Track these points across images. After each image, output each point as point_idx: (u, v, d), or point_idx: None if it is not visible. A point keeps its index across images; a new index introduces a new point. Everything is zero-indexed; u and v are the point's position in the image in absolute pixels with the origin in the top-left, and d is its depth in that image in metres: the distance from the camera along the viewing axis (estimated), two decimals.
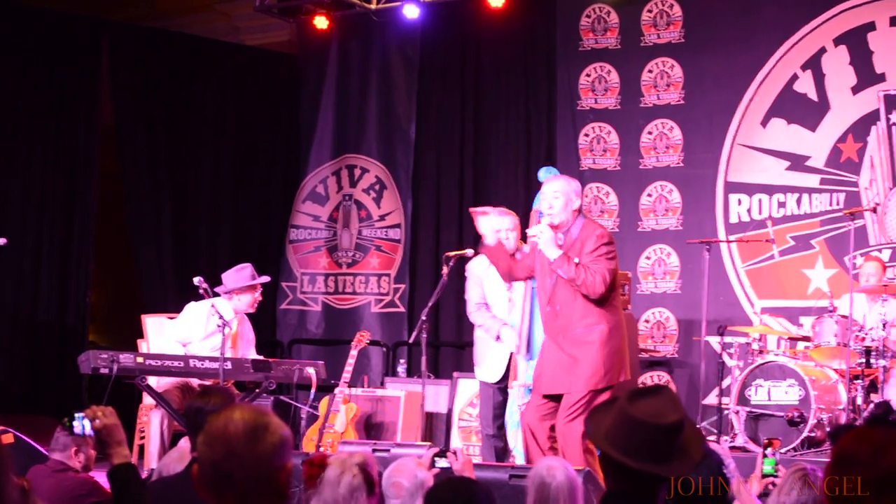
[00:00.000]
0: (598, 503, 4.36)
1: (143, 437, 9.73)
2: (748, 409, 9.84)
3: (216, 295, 9.44)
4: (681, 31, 12.34)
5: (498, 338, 8.91)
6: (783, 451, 9.12)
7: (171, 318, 10.13)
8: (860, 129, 11.45)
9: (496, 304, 9.10)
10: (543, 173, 8.44)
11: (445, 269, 9.16)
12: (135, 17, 14.14)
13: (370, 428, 11.26)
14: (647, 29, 12.51)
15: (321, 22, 13.42)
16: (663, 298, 12.32)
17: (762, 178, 11.90)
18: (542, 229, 7.64)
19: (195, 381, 9.39)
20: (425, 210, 13.69)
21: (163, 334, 10.07)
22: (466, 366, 10.69)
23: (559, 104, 12.93)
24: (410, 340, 10.17)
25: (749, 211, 11.91)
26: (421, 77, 13.74)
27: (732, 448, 9.71)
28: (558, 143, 12.89)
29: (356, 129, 13.99)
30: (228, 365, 9.01)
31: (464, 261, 9.27)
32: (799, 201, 11.71)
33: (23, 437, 7.93)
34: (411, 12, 12.88)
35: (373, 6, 13.22)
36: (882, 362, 9.52)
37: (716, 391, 10.65)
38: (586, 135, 12.76)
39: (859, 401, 9.58)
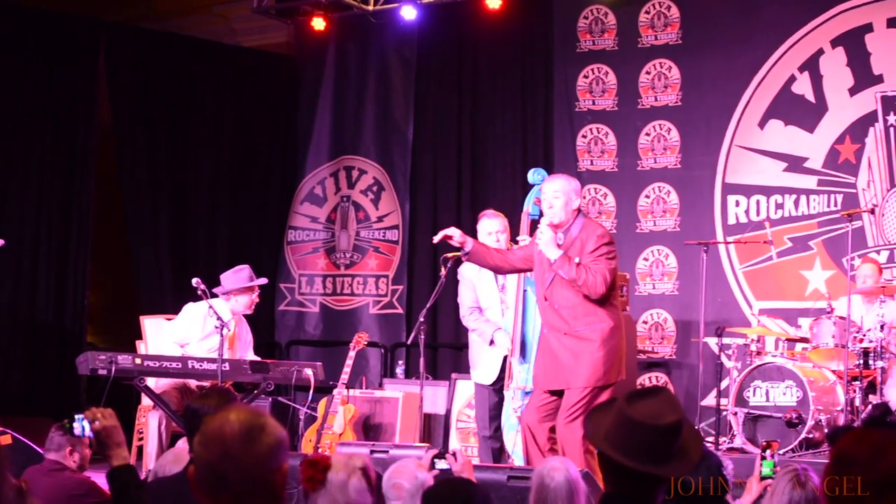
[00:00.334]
0: None
1: (141, 439, 9.72)
2: (746, 410, 9.85)
3: (214, 296, 9.45)
4: (678, 32, 12.35)
5: (492, 342, 8.91)
6: (781, 452, 9.13)
7: (170, 320, 10.13)
8: (858, 130, 11.46)
9: (490, 308, 9.10)
10: (533, 175, 8.46)
11: (443, 271, 9.15)
12: (133, 19, 14.14)
13: (368, 429, 11.26)
14: (644, 30, 12.51)
15: (319, 23, 13.41)
16: (661, 300, 12.32)
17: (760, 179, 11.91)
18: (542, 230, 7.66)
19: (193, 383, 9.39)
20: (423, 211, 13.70)
21: (161, 335, 10.07)
22: (464, 367, 10.67)
23: (556, 106, 12.93)
24: (408, 342, 10.18)
25: (747, 212, 11.92)
26: (418, 79, 13.74)
27: (731, 449, 9.74)
28: (556, 145, 12.89)
29: (354, 130, 13.99)
30: (226, 366, 9.02)
31: (461, 262, 9.27)
32: (797, 203, 11.72)
33: (21, 437, 7.94)
34: (409, 14, 12.89)
35: (370, 8, 13.22)
36: (880, 363, 9.53)
37: (714, 392, 10.64)
38: (584, 136, 12.76)
39: (857, 402, 9.59)
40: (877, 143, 11.36)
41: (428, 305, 9.37)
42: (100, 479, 5.67)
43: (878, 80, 11.40)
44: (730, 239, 11.79)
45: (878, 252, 11.15)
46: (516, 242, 8.79)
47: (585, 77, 12.78)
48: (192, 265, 12.63)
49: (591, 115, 12.76)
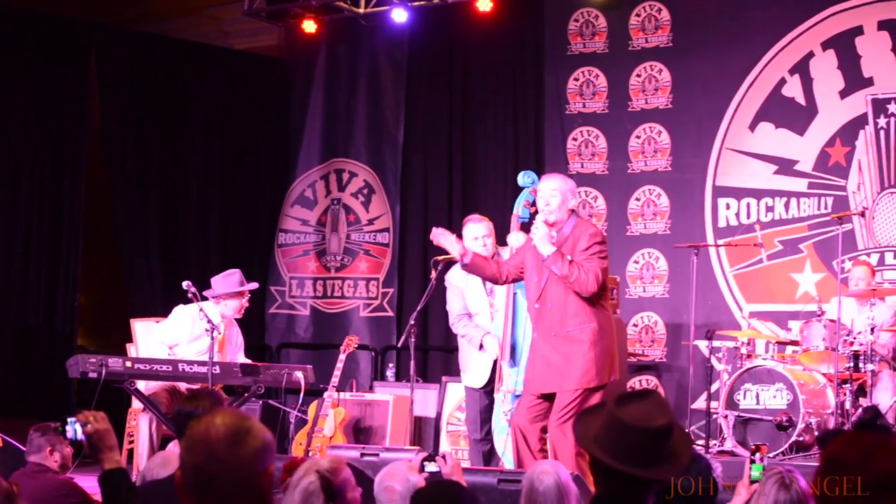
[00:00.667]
0: None
1: (131, 441, 9.72)
2: (737, 413, 9.85)
3: (204, 299, 9.44)
4: (669, 35, 12.35)
5: (481, 347, 8.90)
6: (771, 455, 9.13)
7: (160, 322, 10.12)
8: (848, 133, 11.47)
9: (479, 313, 9.08)
10: (523, 178, 8.47)
11: (434, 274, 9.17)
12: (124, 21, 14.11)
13: (359, 432, 11.25)
14: (635, 33, 12.52)
15: (309, 26, 13.42)
16: (651, 302, 12.32)
17: (750, 182, 11.91)
18: (537, 226, 7.69)
19: (183, 385, 9.38)
20: (413, 214, 13.69)
21: (151, 337, 10.06)
22: (455, 370, 10.68)
23: (547, 108, 12.93)
24: (399, 345, 10.19)
25: (737, 215, 11.93)
26: (409, 81, 13.74)
27: (721, 452, 9.74)
28: (546, 148, 12.90)
29: (344, 133, 13.99)
30: (217, 369, 9.01)
31: (452, 265, 9.26)
32: (787, 205, 11.73)
33: (10, 440, 7.94)
34: (399, 16, 12.89)
35: (361, 10, 13.23)
36: (870, 366, 9.53)
37: (704, 395, 10.65)
38: (574, 139, 12.77)
39: (847, 405, 9.59)
40: (867, 146, 11.36)
41: (418, 308, 9.37)
42: (92, 482, 5.66)
43: (869, 82, 11.41)
44: (720, 242, 11.79)
45: (868, 255, 11.15)
46: (505, 244, 8.79)
47: (576, 80, 12.78)
48: (182, 268, 12.60)
49: (582, 117, 12.76)
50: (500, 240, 9.13)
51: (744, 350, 10.29)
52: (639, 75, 12.48)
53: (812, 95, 11.66)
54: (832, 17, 11.59)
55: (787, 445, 9.49)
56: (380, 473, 5.04)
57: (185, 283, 9.04)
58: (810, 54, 11.69)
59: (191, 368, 9.10)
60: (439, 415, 11.38)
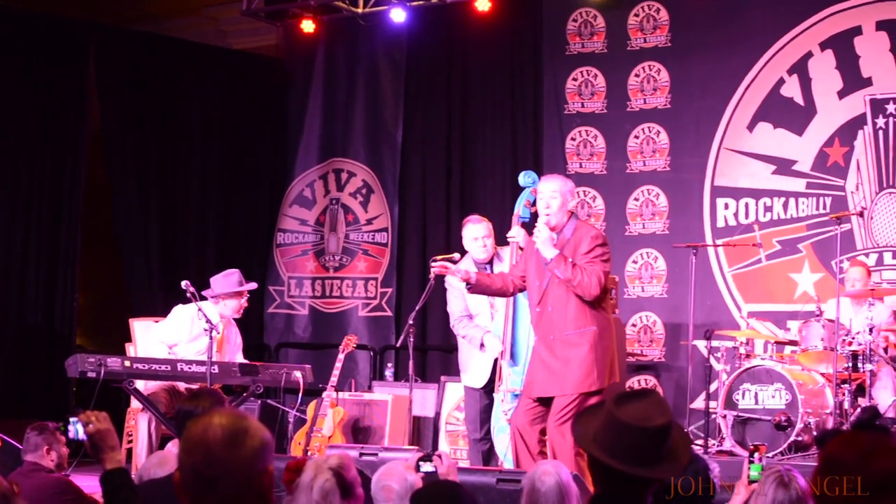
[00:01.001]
0: None
1: (130, 441, 9.72)
2: (735, 413, 9.85)
3: (203, 298, 9.45)
4: (667, 35, 12.35)
5: (482, 346, 8.90)
6: (770, 455, 9.13)
7: (159, 322, 10.12)
8: (847, 133, 11.47)
9: (480, 314, 9.09)
10: (524, 178, 8.47)
11: (432, 274, 9.17)
12: (122, 21, 14.11)
13: (357, 432, 11.25)
14: (633, 33, 12.52)
15: (308, 26, 13.41)
16: (650, 302, 12.32)
17: (749, 182, 11.91)
18: (539, 229, 7.67)
19: (182, 385, 9.38)
20: (412, 214, 13.69)
21: (150, 337, 10.06)
22: (454, 370, 10.68)
23: (546, 108, 12.93)
24: (398, 344, 10.17)
25: (736, 215, 11.93)
26: (408, 81, 13.74)
27: (720, 452, 9.74)
28: (545, 147, 12.89)
29: (343, 132, 13.98)
30: (216, 369, 9.02)
31: (452, 264, 9.26)
32: (785, 205, 11.73)
33: (9, 440, 7.95)
34: (398, 16, 12.89)
35: (360, 10, 13.22)
36: (869, 366, 9.52)
37: (703, 395, 10.65)
38: (573, 139, 12.77)
39: (846, 405, 9.59)
40: (865, 146, 11.37)
41: (417, 308, 9.35)
42: (90, 482, 5.66)
43: (867, 82, 11.41)
44: (719, 242, 11.79)
45: (866, 255, 11.16)
46: (506, 244, 8.79)
47: (574, 80, 12.78)
48: (181, 267, 12.61)
49: (581, 117, 12.76)
50: (500, 240, 9.14)
51: (742, 350, 10.29)
52: (637, 75, 12.48)
53: (811, 95, 11.66)
54: (831, 17, 11.60)
55: (785, 445, 9.48)
56: (377, 473, 5.04)
57: (183, 283, 9.05)
58: (809, 54, 11.69)
59: (189, 368, 9.10)
60: (438, 414, 11.38)
